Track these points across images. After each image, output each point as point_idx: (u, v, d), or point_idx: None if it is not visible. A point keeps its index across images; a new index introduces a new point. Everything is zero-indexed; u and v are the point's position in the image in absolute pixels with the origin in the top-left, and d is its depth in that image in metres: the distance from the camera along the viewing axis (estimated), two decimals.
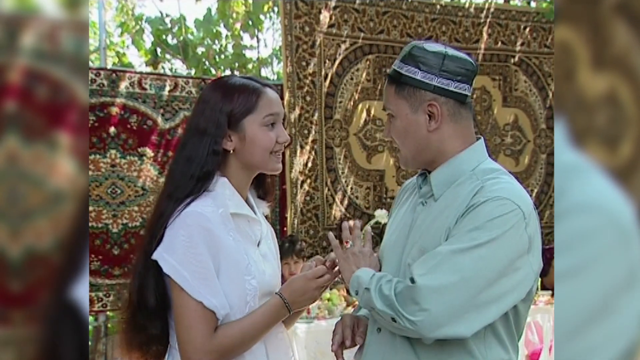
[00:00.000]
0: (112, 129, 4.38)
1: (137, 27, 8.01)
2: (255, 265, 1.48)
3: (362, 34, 5.03)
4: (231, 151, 1.48)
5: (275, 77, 8.41)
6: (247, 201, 1.55)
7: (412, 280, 1.32)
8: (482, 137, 1.53)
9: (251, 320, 1.44)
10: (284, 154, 5.18)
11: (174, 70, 8.32)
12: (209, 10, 7.73)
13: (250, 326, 1.43)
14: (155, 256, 1.39)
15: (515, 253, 1.34)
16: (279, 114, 1.52)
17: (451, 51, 1.46)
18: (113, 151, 4.37)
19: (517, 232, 1.34)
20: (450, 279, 1.29)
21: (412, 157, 1.51)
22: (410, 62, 1.45)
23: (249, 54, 8.35)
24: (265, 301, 1.50)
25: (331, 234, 1.59)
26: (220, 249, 1.40)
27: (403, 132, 1.48)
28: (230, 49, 8.16)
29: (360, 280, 1.43)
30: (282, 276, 4.51)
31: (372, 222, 4.01)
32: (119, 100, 4.40)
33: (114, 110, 4.39)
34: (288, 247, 4.11)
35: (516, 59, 5.57)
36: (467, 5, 5.42)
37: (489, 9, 5.47)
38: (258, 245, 1.55)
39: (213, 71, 7.83)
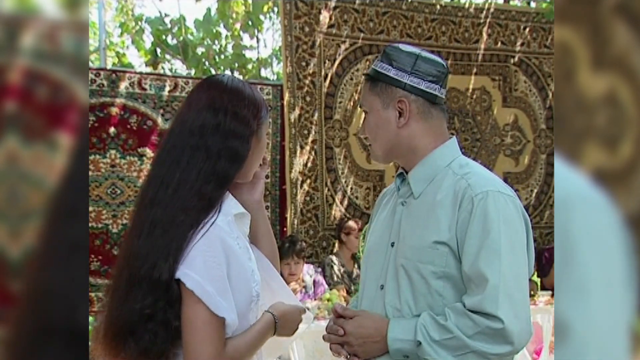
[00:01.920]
0: (112, 129, 4.37)
1: (137, 27, 8.02)
2: (254, 262, 1.48)
3: (361, 34, 5.03)
4: (250, 154, 1.45)
5: (275, 77, 8.41)
6: None
7: (473, 311, 1.36)
8: (454, 136, 1.59)
9: (252, 336, 1.43)
10: (283, 154, 5.18)
11: (173, 71, 8.33)
12: (209, 10, 7.74)
13: (252, 341, 1.43)
14: (178, 275, 1.32)
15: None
16: None
17: (424, 53, 1.53)
18: (113, 151, 4.37)
19: (521, 218, 1.45)
20: (519, 302, 1.38)
21: (383, 152, 1.57)
22: (385, 60, 1.53)
23: (248, 54, 8.36)
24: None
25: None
26: (232, 259, 1.37)
27: (375, 128, 1.55)
28: (230, 49, 8.17)
29: (403, 349, 1.42)
30: (282, 276, 4.51)
31: None
32: (118, 100, 4.40)
33: (114, 110, 4.39)
34: (288, 247, 4.10)
35: (516, 59, 5.57)
36: (467, 5, 5.42)
37: (488, 9, 5.47)
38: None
39: (213, 71, 7.83)
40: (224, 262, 1.35)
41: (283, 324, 1.50)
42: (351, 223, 4.59)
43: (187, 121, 1.42)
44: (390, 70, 1.51)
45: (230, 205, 1.44)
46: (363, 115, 1.61)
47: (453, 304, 1.40)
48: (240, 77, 7.62)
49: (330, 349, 1.54)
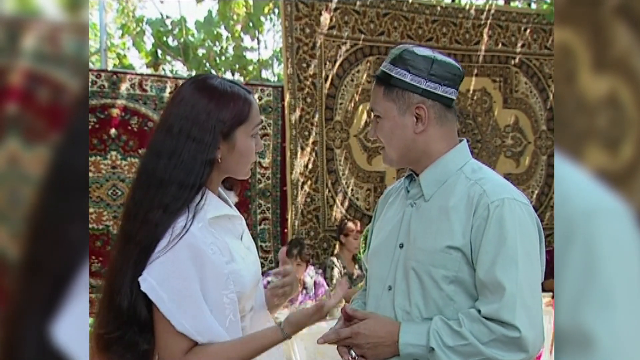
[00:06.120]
0: (112, 131, 4.38)
1: (138, 28, 8.03)
2: (242, 261, 1.46)
3: (362, 36, 5.04)
4: (219, 160, 1.42)
5: (276, 78, 8.42)
6: (219, 197, 1.51)
7: (488, 318, 1.36)
8: (464, 139, 1.57)
9: (239, 344, 1.41)
10: (284, 156, 5.18)
11: (174, 72, 8.33)
12: (210, 11, 7.75)
13: (238, 348, 1.40)
14: (139, 278, 1.34)
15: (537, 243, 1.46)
16: (260, 123, 1.50)
17: (439, 56, 1.50)
18: (114, 153, 4.38)
19: (535, 226, 1.44)
20: (534, 310, 1.38)
21: (398, 156, 1.53)
22: (400, 65, 1.48)
23: (249, 55, 8.38)
24: (255, 296, 1.52)
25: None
26: (205, 265, 1.35)
27: (390, 133, 1.51)
28: (230, 51, 8.18)
29: (415, 354, 1.41)
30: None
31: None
32: (119, 101, 4.41)
33: (115, 111, 4.39)
34: (294, 248, 4.12)
35: (517, 60, 5.57)
36: (467, 6, 5.43)
37: (489, 10, 5.47)
38: (241, 238, 1.53)
39: (213, 73, 7.84)
40: (191, 267, 1.33)
41: (295, 329, 1.46)
42: (350, 224, 4.59)
43: (159, 125, 1.53)
44: (407, 75, 1.46)
45: (207, 210, 1.41)
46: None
47: (467, 310, 1.39)
48: (241, 79, 7.62)
49: (338, 350, 1.52)
